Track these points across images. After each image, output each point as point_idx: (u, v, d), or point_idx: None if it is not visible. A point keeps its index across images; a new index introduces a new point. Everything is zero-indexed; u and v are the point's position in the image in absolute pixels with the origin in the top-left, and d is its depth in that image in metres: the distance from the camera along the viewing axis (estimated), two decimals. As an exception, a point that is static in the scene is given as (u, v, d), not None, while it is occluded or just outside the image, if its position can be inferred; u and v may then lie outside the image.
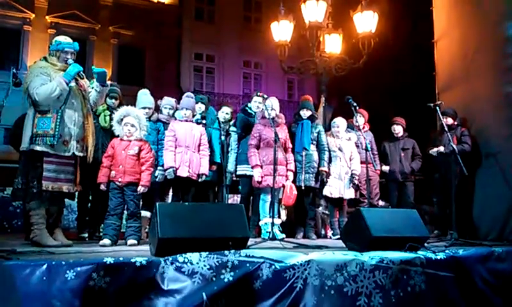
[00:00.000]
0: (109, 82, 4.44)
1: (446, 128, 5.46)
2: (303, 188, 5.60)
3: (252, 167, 5.33)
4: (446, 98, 6.49)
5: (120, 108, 4.50)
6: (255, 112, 5.78)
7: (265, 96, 5.39)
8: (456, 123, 6.07)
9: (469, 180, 5.59)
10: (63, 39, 4.10)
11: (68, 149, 3.89)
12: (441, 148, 5.98)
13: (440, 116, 5.38)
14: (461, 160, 4.86)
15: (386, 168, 6.47)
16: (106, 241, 4.05)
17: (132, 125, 4.30)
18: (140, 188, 4.26)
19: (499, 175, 5.50)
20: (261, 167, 5.27)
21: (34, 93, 3.75)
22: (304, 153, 5.64)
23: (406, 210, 4.42)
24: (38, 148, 3.77)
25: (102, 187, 4.26)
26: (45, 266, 2.51)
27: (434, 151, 6.12)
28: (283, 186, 5.32)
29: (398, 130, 6.54)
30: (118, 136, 4.36)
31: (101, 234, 5.03)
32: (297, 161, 5.60)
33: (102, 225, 5.11)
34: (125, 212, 4.39)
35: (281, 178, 5.26)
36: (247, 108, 5.91)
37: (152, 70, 18.70)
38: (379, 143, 6.59)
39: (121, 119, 4.32)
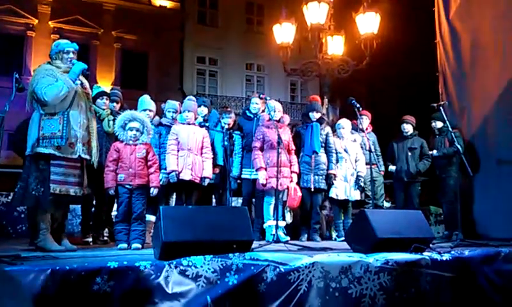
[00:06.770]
0: (110, 86, 4.45)
1: (437, 132, 6.02)
2: (313, 190, 5.59)
3: (256, 170, 5.32)
4: (449, 98, 6.48)
5: (122, 112, 4.49)
6: (253, 115, 5.78)
7: (268, 98, 5.38)
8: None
9: (468, 181, 5.58)
10: (62, 41, 4.13)
11: (74, 151, 3.85)
12: (434, 151, 6.18)
13: (444, 116, 5.33)
14: (465, 161, 4.84)
15: (393, 168, 6.42)
16: (123, 245, 4.07)
17: (137, 130, 4.29)
18: (153, 190, 4.30)
19: (503, 175, 5.47)
20: (265, 169, 5.26)
21: (43, 93, 3.73)
22: (313, 156, 5.63)
23: (410, 211, 4.39)
24: (44, 151, 3.73)
25: (112, 191, 4.23)
26: (49, 271, 2.50)
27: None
28: (288, 188, 5.31)
29: (408, 128, 6.43)
30: (121, 140, 4.30)
31: (105, 238, 5.04)
32: (306, 163, 5.59)
33: (106, 229, 5.13)
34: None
35: (285, 180, 5.24)
36: (246, 111, 5.92)
37: (154, 73, 18.76)
38: (383, 144, 6.55)
39: (125, 124, 4.29)
